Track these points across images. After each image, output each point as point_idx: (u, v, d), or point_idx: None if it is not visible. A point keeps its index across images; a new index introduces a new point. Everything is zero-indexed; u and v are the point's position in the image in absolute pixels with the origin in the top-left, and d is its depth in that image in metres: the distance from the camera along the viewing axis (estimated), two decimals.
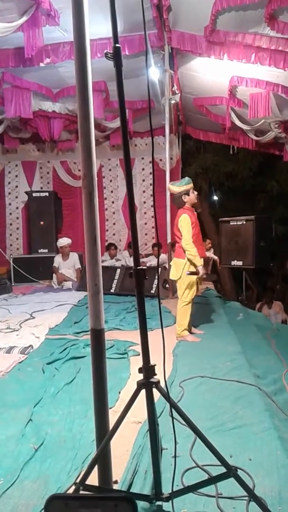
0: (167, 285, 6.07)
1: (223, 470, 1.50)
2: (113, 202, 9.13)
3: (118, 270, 6.56)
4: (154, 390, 1.55)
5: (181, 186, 4.02)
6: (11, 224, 9.03)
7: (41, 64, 5.18)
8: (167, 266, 6.22)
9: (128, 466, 1.89)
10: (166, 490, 1.60)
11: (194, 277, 3.95)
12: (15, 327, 4.46)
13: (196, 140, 9.97)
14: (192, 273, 3.93)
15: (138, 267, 1.51)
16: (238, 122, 6.47)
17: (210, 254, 5.12)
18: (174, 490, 1.54)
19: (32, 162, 9.08)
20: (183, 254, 3.94)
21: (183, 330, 4.00)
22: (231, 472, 1.48)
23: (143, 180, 9.00)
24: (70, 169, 9.12)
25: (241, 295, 9.03)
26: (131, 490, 1.73)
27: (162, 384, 1.53)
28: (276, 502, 1.68)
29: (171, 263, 4.25)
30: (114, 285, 6.37)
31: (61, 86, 6.44)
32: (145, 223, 9.02)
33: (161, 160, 8.06)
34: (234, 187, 11.58)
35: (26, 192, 8.36)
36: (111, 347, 3.64)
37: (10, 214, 9.03)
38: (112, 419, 1.60)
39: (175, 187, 4.06)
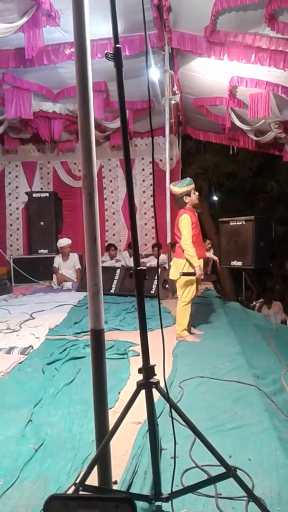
0: (167, 286, 6.07)
1: (222, 470, 1.50)
2: (113, 203, 9.14)
3: (118, 271, 6.56)
4: (154, 391, 1.55)
5: (182, 187, 4.02)
6: (11, 225, 9.03)
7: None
8: (167, 267, 6.22)
9: (128, 467, 1.89)
10: (165, 490, 1.60)
11: (192, 277, 3.95)
12: (15, 328, 4.46)
13: (196, 141, 9.97)
14: (187, 274, 3.93)
15: (138, 268, 1.51)
16: (238, 123, 6.48)
17: (210, 254, 5.12)
18: (173, 490, 1.54)
19: (32, 162, 9.09)
20: (183, 254, 3.95)
21: (182, 330, 4.00)
22: (230, 472, 1.48)
23: (143, 181, 9.00)
24: (70, 169, 9.12)
25: (241, 295, 9.03)
26: (131, 491, 1.73)
27: (162, 384, 1.53)
28: (275, 502, 1.68)
29: (171, 263, 4.25)
30: (114, 286, 6.37)
31: (61, 86, 6.45)
32: (145, 224, 9.02)
33: (161, 160, 8.07)
34: (234, 187, 11.59)
35: (26, 193, 8.36)
36: (111, 348, 3.64)
37: (10, 214, 9.04)
38: (112, 419, 1.60)
39: (176, 188, 4.07)
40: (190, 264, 3.92)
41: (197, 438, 1.60)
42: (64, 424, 2.36)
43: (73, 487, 1.62)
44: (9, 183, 9.03)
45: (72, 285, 7.05)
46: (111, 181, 9.12)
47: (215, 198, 12.38)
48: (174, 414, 1.56)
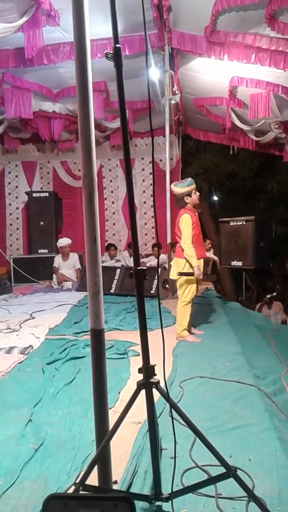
0: (167, 285, 6.07)
1: (222, 470, 1.50)
2: (113, 203, 9.14)
3: (118, 270, 6.56)
4: (154, 391, 1.55)
5: (183, 187, 4.02)
6: (11, 225, 9.03)
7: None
8: (167, 266, 6.23)
9: (128, 466, 1.89)
10: (165, 490, 1.60)
11: (191, 277, 3.95)
12: (15, 328, 4.46)
13: (196, 141, 9.97)
14: (186, 274, 3.93)
15: (138, 267, 1.51)
16: (238, 123, 6.48)
17: (210, 254, 5.12)
18: (173, 490, 1.54)
19: (32, 162, 9.09)
20: (183, 253, 3.95)
21: (183, 330, 4.00)
22: (230, 472, 1.48)
23: (143, 181, 9.00)
24: (70, 169, 9.12)
25: (241, 295, 9.02)
26: (131, 490, 1.73)
27: (162, 384, 1.53)
28: (275, 502, 1.68)
29: (171, 263, 4.25)
30: (114, 285, 6.37)
31: (61, 86, 6.44)
32: (145, 224, 9.02)
33: (161, 160, 8.07)
34: (234, 188, 11.59)
35: (26, 193, 8.36)
36: (111, 347, 3.64)
37: (10, 214, 9.04)
38: (112, 419, 1.60)
39: (177, 188, 4.07)
40: (189, 263, 3.92)
41: (197, 438, 1.60)
42: (64, 424, 2.36)
43: (73, 487, 1.62)
44: (9, 183, 9.03)
45: (72, 285, 7.05)
46: (111, 181, 9.12)
47: (215, 198, 12.38)
48: (174, 414, 1.56)
